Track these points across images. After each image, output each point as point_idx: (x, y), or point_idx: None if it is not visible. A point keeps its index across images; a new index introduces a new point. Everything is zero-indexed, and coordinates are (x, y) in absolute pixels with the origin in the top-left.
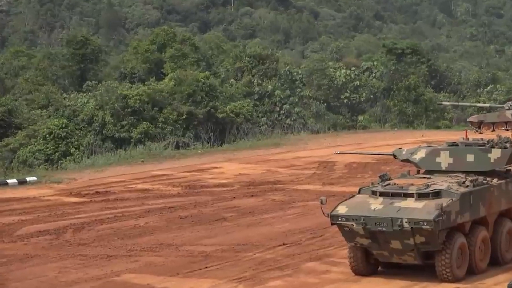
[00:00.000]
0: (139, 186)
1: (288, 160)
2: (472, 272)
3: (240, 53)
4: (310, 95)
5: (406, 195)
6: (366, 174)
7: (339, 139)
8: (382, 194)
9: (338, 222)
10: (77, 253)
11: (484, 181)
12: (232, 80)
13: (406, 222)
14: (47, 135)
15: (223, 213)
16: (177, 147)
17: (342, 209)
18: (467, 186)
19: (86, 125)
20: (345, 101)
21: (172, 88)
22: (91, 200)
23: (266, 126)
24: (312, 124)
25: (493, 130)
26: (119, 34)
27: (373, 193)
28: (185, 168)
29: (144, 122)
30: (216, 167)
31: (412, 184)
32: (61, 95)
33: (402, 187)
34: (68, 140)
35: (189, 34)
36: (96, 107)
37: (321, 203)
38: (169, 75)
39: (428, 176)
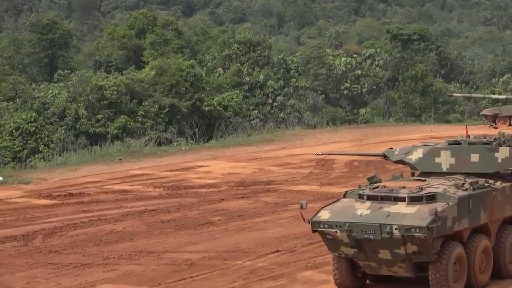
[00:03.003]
0: (117, 187)
1: (282, 158)
2: (471, 287)
3: (228, 39)
4: (307, 85)
5: (397, 199)
6: (368, 173)
7: (339, 135)
8: (369, 197)
9: (320, 229)
10: (47, 262)
11: (486, 184)
12: (219, 69)
13: (396, 229)
14: (14, 131)
15: (210, 216)
16: (159, 143)
17: (324, 215)
18: (466, 189)
19: (57, 119)
20: (345, 92)
21: (153, 78)
22: (63, 203)
23: (258, 120)
24: (308, 118)
25: (510, 125)
26: (94, 18)
27: (360, 196)
28: (168, 167)
29: (122, 116)
30: (202, 166)
31: (404, 187)
32: (30, 85)
33: (392, 190)
34: (37, 136)
35: (172, 18)
36: (69, 99)
37: (301, 207)
38: (149, 64)
39: (423, 178)
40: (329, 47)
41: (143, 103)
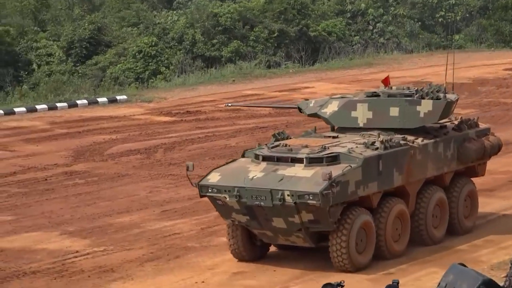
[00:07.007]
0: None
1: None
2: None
3: None
4: (404, 13)
5: (294, 160)
6: (462, 95)
7: (434, 59)
8: (265, 158)
9: (208, 194)
10: (167, 173)
11: (402, 142)
12: None
13: (288, 195)
14: (137, 54)
15: None
16: (268, 66)
17: (214, 178)
18: (376, 148)
19: (176, 44)
20: (440, 20)
21: (263, 5)
22: (181, 120)
23: (359, 45)
24: (406, 44)
25: None
26: None
27: (256, 157)
28: (276, 87)
29: (234, 41)
30: (308, 87)
31: (306, 146)
32: (151, 12)
33: (291, 150)
34: (158, 59)
35: None
36: (187, 25)
37: (187, 169)
38: None
39: (335, 134)
40: None
41: (254, 29)
